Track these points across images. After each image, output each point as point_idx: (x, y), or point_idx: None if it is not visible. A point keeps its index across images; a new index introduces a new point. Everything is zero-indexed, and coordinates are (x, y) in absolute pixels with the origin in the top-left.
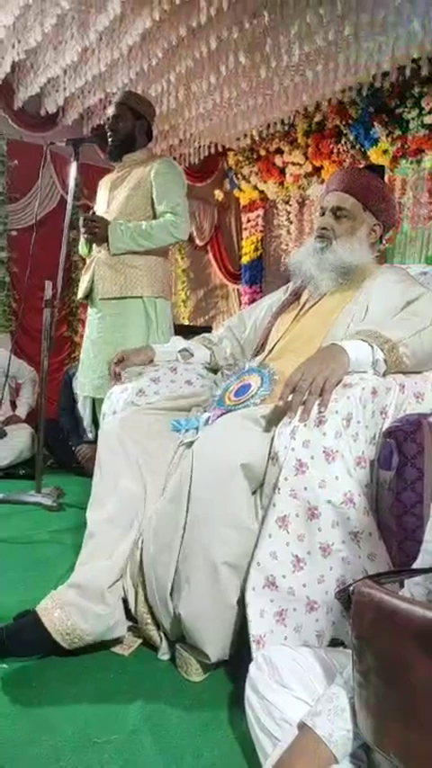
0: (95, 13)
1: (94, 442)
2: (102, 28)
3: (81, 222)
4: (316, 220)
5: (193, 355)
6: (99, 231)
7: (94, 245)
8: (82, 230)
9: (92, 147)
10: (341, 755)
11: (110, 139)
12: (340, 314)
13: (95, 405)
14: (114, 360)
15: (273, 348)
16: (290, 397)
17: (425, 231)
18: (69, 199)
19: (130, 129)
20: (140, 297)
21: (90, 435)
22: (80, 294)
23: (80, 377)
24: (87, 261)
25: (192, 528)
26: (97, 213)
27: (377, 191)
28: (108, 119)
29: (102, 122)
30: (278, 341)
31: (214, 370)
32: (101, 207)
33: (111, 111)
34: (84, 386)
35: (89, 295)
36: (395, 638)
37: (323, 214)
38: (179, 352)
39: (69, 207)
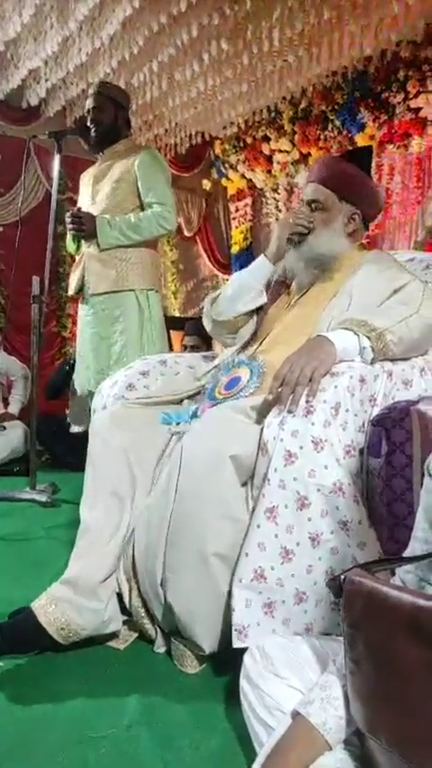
0: (74, 2)
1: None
2: (81, 17)
3: (67, 219)
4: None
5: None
6: (86, 227)
7: (82, 242)
8: (69, 227)
9: (75, 140)
10: (335, 742)
11: (93, 132)
12: (327, 305)
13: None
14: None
15: (262, 340)
16: (279, 390)
17: (414, 217)
18: (54, 193)
19: (112, 119)
20: (133, 290)
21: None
22: (71, 290)
23: (77, 373)
24: (77, 257)
25: (178, 519)
26: (82, 207)
27: (352, 179)
28: (88, 111)
29: (85, 113)
30: (267, 333)
31: (210, 357)
32: (85, 201)
33: (89, 103)
34: (82, 382)
35: (81, 291)
36: (386, 626)
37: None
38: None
39: (54, 201)
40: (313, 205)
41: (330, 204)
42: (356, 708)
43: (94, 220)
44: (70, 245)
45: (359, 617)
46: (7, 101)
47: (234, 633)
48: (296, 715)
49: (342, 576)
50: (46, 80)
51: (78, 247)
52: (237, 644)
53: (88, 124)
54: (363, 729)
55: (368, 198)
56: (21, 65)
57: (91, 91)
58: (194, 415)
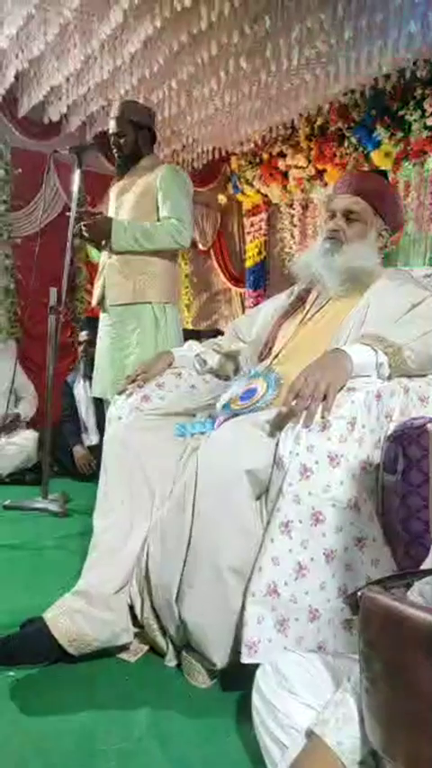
0: (98, 22)
1: (99, 446)
2: (104, 36)
3: (73, 227)
4: (322, 223)
5: (206, 363)
6: (95, 232)
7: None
8: (83, 231)
9: (94, 155)
10: (350, 763)
11: (116, 156)
12: (344, 319)
13: (102, 407)
14: (134, 375)
15: (278, 353)
16: (293, 403)
17: (429, 233)
18: (73, 206)
19: (133, 142)
20: (150, 303)
21: (95, 439)
22: (94, 300)
23: (94, 380)
24: (99, 267)
25: (197, 534)
26: None
27: (387, 195)
28: (110, 136)
29: (104, 129)
30: (283, 346)
31: (218, 375)
32: (110, 214)
33: (111, 126)
34: (98, 388)
35: (102, 302)
36: (403, 645)
37: (332, 216)
38: (195, 357)
39: (73, 214)
40: (350, 216)
41: (366, 216)
42: (372, 728)
43: (108, 223)
44: (94, 254)
45: (376, 635)
46: (29, 116)
47: (244, 649)
48: (311, 734)
49: (359, 593)
50: (67, 96)
51: (100, 252)
52: (246, 660)
53: (111, 147)
54: (378, 750)
55: (397, 216)
56: (43, 81)
57: (112, 114)
58: (210, 427)
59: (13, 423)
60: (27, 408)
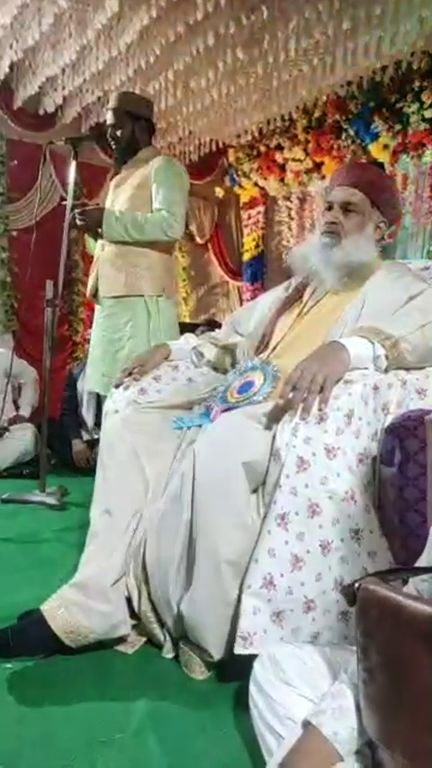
0: (93, 12)
1: (97, 441)
2: (99, 26)
3: (76, 212)
4: (320, 215)
5: (203, 356)
6: (87, 222)
7: (98, 243)
8: (77, 221)
9: (90, 146)
10: (346, 753)
11: (113, 148)
12: (342, 312)
13: (101, 402)
14: (131, 367)
15: (276, 346)
16: (290, 395)
17: (426, 226)
18: (69, 198)
19: (130, 133)
20: (142, 295)
21: (96, 435)
22: (88, 293)
23: (87, 373)
24: (94, 259)
25: (194, 527)
26: None
27: (384, 187)
28: (107, 127)
29: (100, 121)
30: (281, 339)
31: (215, 368)
32: (107, 206)
33: (108, 118)
34: (90, 381)
35: (96, 294)
36: (400, 636)
37: (329, 209)
38: (192, 350)
39: (69, 206)
40: (348, 207)
41: (363, 208)
42: (369, 718)
43: (100, 212)
44: (92, 245)
45: (373, 626)
46: (24, 107)
47: (238, 640)
48: (307, 725)
49: (356, 584)
50: (63, 87)
51: (95, 243)
52: (239, 650)
53: (108, 139)
54: (375, 740)
55: (394, 209)
56: (38, 72)
57: (109, 105)
58: (207, 420)
59: (14, 421)
60: (31, 394)
